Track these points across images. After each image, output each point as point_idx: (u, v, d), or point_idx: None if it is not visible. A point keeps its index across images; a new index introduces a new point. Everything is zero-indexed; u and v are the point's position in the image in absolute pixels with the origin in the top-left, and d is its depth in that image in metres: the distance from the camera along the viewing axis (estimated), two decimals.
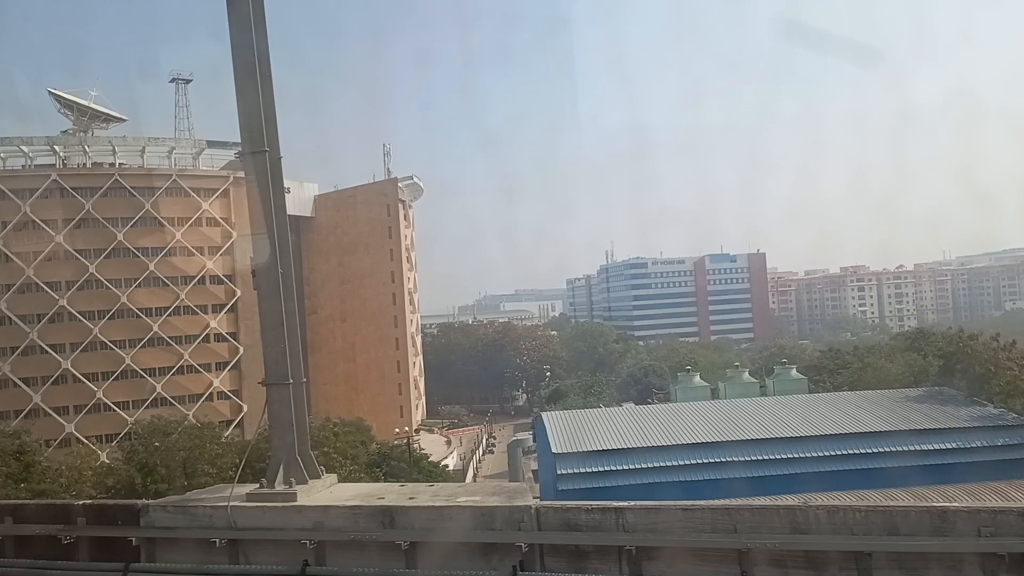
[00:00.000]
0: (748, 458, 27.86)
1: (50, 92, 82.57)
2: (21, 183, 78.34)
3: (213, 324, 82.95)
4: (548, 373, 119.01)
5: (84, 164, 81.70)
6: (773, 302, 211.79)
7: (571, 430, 32.08)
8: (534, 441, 42.16)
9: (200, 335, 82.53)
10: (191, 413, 79.81)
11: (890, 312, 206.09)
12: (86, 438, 76.00)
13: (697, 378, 50.94)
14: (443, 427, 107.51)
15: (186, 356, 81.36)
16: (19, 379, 77.13)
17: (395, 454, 58.33)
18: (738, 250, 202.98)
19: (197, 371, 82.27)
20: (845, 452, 27.76)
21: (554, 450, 29.42)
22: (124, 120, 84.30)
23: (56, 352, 78.18)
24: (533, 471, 48.25)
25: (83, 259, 78.52)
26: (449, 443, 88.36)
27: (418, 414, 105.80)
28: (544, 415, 36.69)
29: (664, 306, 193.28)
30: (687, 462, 28.40)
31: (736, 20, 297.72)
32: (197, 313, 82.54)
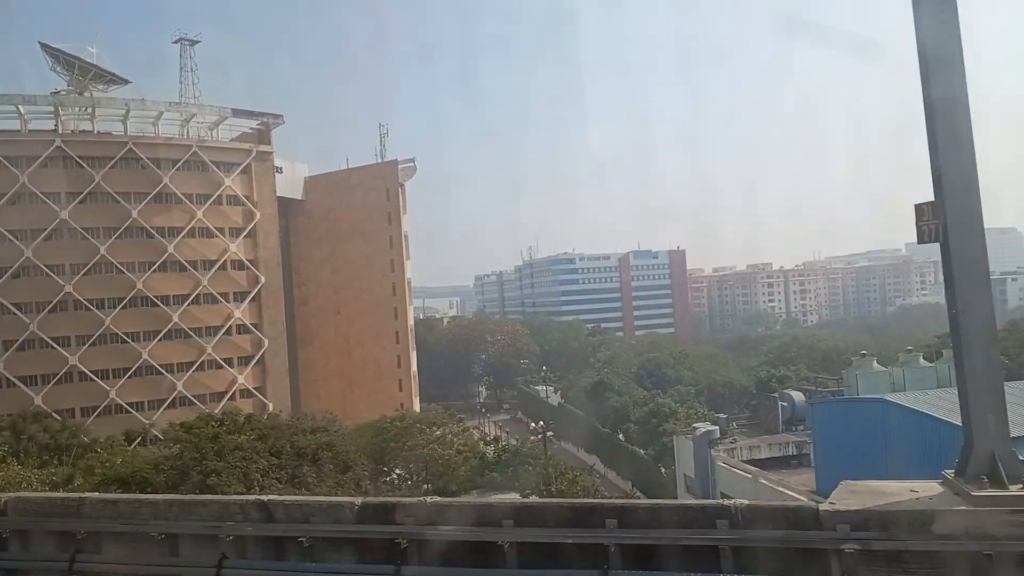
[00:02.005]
0: None
1: (42, 45, 71.37)
2: (17, 148, 67.11)
3: (237, 314, 74.45)
4: (544, 368, 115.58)
5: (82, 129, 71.21)
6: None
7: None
8: (811, 430, 39.41)
9: (222, 326, 73.86)
10: (215, 413, 71.77)
11: (795, 307, 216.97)
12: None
13: (875, 363, 49.70)
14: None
15: (209, 350, 72.57)
16: (16, 378, 66.14)
17: (528, 452, 53.77)
18: (647, 247, 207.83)
19: (219, 367, 73.59)
20: None
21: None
22: (127, 82, 74.08)
23: (60, 346, 67.60)
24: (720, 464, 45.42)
25: (91, 239, 68.31)
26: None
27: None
28: (889, 396, 34.06)
29: (591, 301, 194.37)
30: None
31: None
32: (219, 302, 73.83)
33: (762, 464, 45.08)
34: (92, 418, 67.48)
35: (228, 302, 74.25)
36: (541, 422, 55.92)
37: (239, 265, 75.27)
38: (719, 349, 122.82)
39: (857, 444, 34.18)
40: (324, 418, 49.50)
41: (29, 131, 68.75)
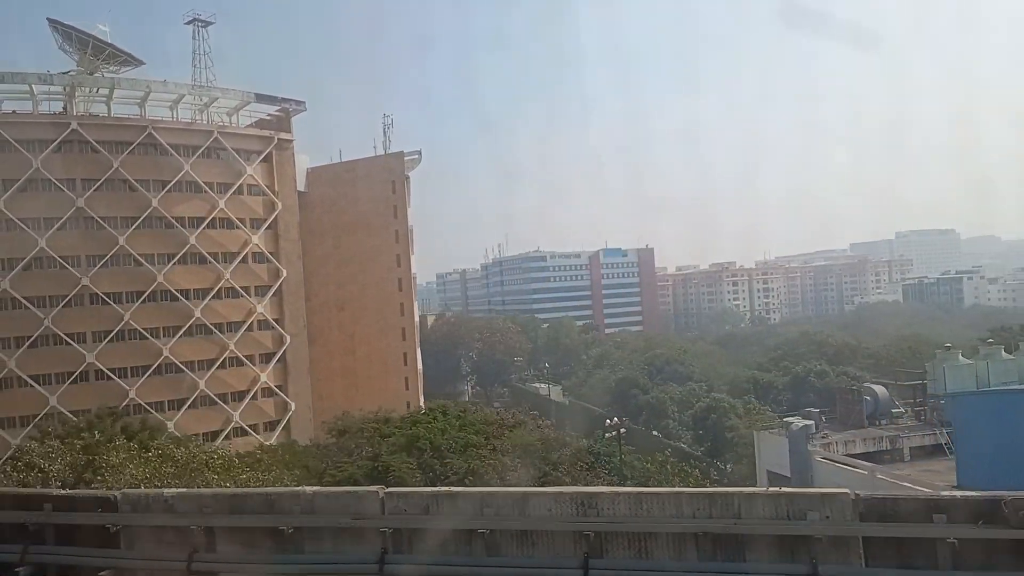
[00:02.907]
0: None
1: (51, 21, 66.76)
2: (29, 131, 62.56)
3: (260, 309, 71.06)
4: (546, 365, 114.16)
5: (92, 112, 66.97)
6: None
7: None
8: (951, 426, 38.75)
9: (244, 322, 70.37)
10: (237, 414, 68.67)
11: (759, 306, 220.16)
12: None
13: (960, 357, 49.55)
14: None
15: (232, 347, 69.02)
16: (29, 376, 61.64)
17: (599, 450, 52.15)
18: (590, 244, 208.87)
19: (240, 364, 70.08)
20: None
21: None
22: (142, 63, 69.80)
23: (76, 342, 63.37)
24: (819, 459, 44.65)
25: (109, 228, 64.20)
26: None
27: None
28: None
29: (563, 299, 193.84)
30: None
31: None
32: (241, 296, 70.30)
33: (857, 459, 44.51)
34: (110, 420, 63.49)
35: (249, 296, 70.79)
36: (616, 418, 54.13)
37: (260, 258, 71.92)
38: (711, 346, 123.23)
39: (1014, 439, 33.48)
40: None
41: (41, 113, 64.23)
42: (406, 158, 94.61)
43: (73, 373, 62.85)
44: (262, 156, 71.45)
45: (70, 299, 63.09)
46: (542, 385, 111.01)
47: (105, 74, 68.07)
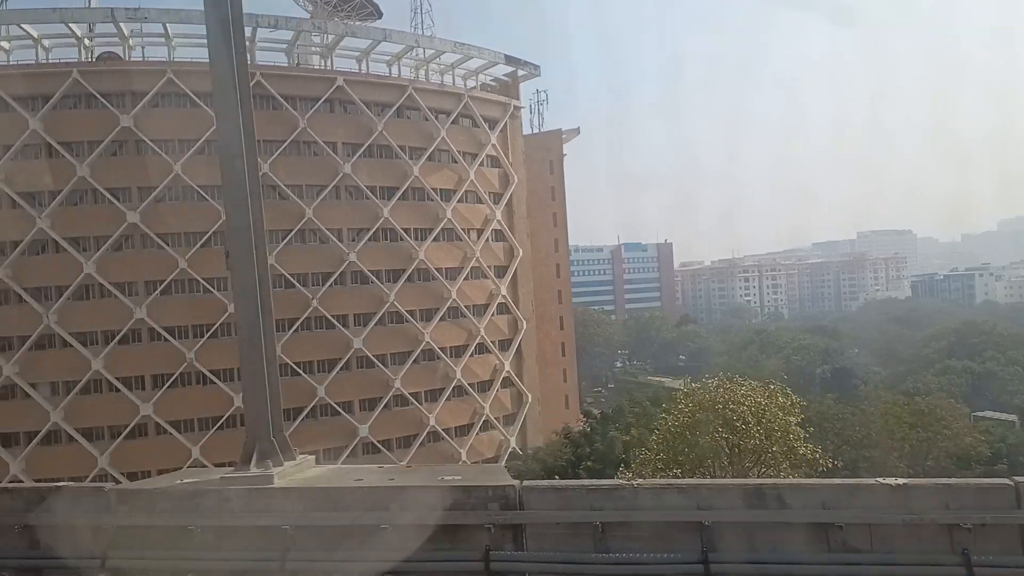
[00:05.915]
0: None
1: None
2: (290, 87, 55.22)
3: (502, 291, 65.17)
4: (682, 358, 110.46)
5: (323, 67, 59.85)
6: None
7: None
8: None
9: (486, 305, 64.36)
10: (487, 406, 62.94)
11: (768, 301, 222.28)
12: (379, 442, 56.43)
13: None
14: None
15: (481, 332, 62.94)
16: (294, 363, 54.20)
17: None
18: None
19: (484, 351, 64.08)
20: None
21: None
22: (381, 15, 62.90)
23: (342, 325, 56.32)
24: None
25: (373, 198, 57.36)
26: None
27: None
28: None
29: (589, 293, 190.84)
30: None
31: None
32: (485, 277, 64.30)
33: None
34: (376, 414, 56.81)
35: (490, 277, 64.87)
36: None
37: (497, 235, 66.02)
38: (808, 335, 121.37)
39: None
40: None
41: (302, 67, 56.93)
42: (568, 136, 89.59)
43: (338, 361, 55.79)
44: (501, 124, 65.49)
45: (337, 276, 56.08)
46: (665, 378, 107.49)
47: (361, 27, 61.01)
